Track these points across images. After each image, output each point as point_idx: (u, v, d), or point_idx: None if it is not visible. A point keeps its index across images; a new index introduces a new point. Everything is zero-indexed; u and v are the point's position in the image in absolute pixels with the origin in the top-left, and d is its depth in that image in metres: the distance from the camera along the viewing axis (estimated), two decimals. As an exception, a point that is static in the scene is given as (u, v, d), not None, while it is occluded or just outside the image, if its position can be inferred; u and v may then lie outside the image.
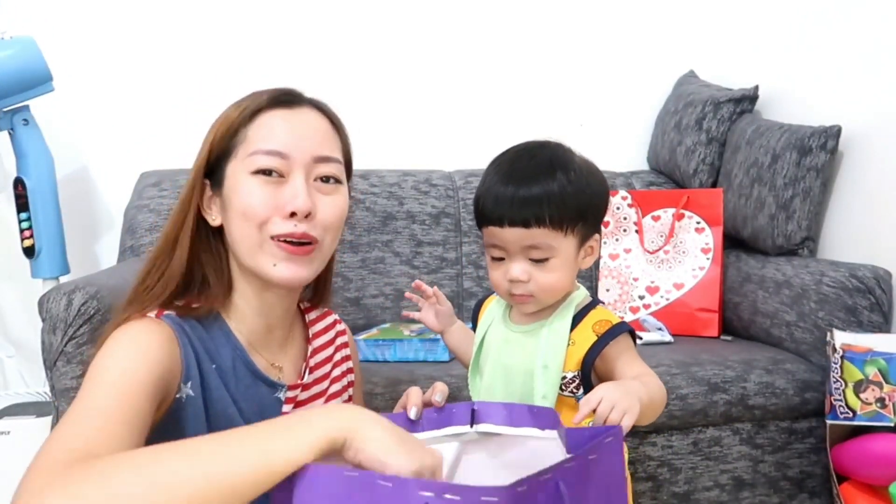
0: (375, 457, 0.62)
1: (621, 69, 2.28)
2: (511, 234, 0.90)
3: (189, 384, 0.82)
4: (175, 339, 0.81)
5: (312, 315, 1.03)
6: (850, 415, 1.39)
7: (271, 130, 0.85)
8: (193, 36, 2.05)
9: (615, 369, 0.92)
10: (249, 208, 0.83)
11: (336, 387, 1.02)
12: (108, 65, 2.02)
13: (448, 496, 0.55)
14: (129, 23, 2.02)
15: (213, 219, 0.88)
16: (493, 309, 1.04)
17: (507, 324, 0.99)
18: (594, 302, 0.98)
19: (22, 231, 1.77)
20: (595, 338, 0.92)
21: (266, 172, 0.83)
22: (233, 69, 2.04)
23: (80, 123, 2.01)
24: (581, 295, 0.98)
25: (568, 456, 0.66)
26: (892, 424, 1.37)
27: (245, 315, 0.90)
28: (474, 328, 1.07)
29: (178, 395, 0.80)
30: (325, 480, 0.60)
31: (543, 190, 0.89)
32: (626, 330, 0.93)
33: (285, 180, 0.84)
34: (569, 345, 0.92)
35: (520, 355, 0.95)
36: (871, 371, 1.38)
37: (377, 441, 0.62)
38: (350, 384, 1.06)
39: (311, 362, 0.98)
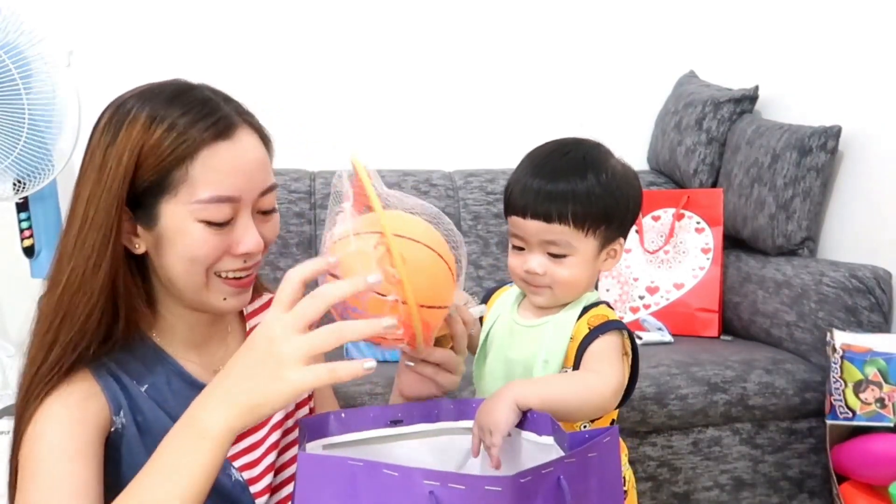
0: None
1: (621, 69, 2.28)
2: (532, 226, 0.91)
3: (121, 413, 0.81)
4: (93, 378, 0.81)
5: (251, 307, 0.99)
6: (850, 415, 1.39)
7: (219, 174, 0.78)
8: (192, 35, 2.05)
9: (584, 363, 0.89)
10: (199, 254, 0.80)
11: None
12: (108, 64, 2.01)
13: (452, 485, 0.56)
14: (128, 23, 2.02)
15: (137, 248, 0.83)
16: (503, 301, 1.02)
17: (515, 317, 0.99)
18: (600, 302, 0.97)
19: (22, 231, 1.76)
20: (587, 331, 0.91)
21: (218, 224, 0.79)
22: (232, 69, 2.03)
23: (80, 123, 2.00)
24: (594, 296, 0.98)
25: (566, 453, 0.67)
26: (891, 424, 1.37)
27: (176, 329, 0.88)
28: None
29: (112, 429, 0.81)
30: (330, 470, 0.60)
31: (570, 188, 0.89)
32: (618, 328, 0.91)
33: (234, 220, 0.81)
34: (570, 340, 0.92)
35: (522, 349, 0.95)
36: (871, 371, 1.38)
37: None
38: None
39: None
